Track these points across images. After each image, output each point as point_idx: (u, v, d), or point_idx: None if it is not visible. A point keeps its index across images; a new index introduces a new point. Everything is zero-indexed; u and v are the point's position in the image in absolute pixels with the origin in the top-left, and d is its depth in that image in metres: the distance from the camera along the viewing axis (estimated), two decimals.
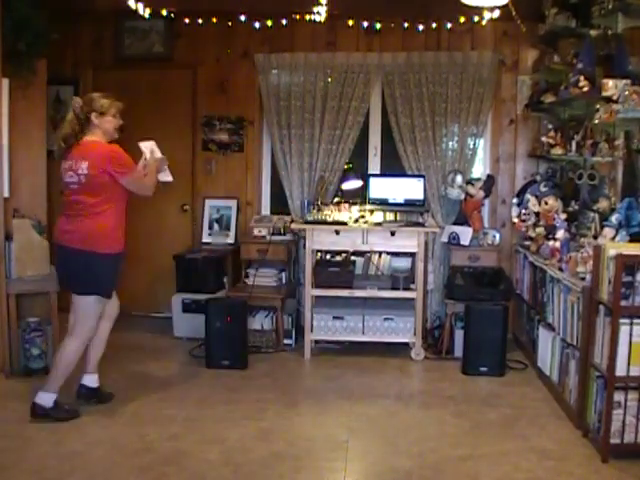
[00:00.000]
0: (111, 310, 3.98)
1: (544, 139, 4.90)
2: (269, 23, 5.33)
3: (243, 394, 4.15)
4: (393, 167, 5.59)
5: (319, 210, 5.08)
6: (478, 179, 5.37)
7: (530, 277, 4.83)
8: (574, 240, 4.21)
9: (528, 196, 4.87)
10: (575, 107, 4.64)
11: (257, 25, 5.34)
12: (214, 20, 5.43)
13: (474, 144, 5.40)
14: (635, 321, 3.16)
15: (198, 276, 5.31)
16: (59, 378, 3.66)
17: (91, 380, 3.92)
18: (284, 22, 5.36)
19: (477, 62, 5.32)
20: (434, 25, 5.32)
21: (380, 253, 5.33)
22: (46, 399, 3.63)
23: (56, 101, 5.92)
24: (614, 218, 3.70)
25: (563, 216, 4.47)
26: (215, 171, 5.82)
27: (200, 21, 5.46)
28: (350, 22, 5.37)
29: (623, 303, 3.17)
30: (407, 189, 5.30)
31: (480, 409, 3.98)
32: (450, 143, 5.43)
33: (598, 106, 3.81)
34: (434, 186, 5.40)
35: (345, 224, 4.92)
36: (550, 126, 5.07)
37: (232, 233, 5.73)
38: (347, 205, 5.16)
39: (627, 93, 3.63)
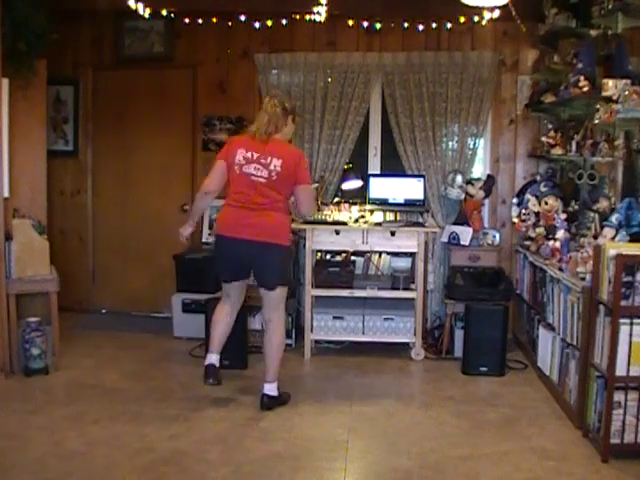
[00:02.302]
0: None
1: (544, 139, 4.90)
2: (269, 23, 5.34)
3: (243, 394, 4.15)
4: (393, 167, 5.60)
5: (319, 210, 5.07)
6: (478, 179, 5.37)
7: (530, 277, 4.83)
8: (574, 240, 4.21)
9: (528, 196, 4.87)
10: (575, 107, 4.64)
11: (257, 25, 5.35)
12: (214, 20, 5.43)
13: (474, 144, 5.40)
14: (635, 321, 3.16)
15: (198, 276, 5.31)
16: (278, 365, 3.90)
17: (216, 359, 3.98)
18: (284, 22, 5.36)
19: (477, 62, 5.33)
20: (434, 25, 5.32)
21: (380, 253, 5.33)
22: (274, 389, 3.89)
23: (56, 101, 5.93)
24: (614, 218, 3.70)
25: (563, 216, 4.47)
26: None
27: (200, 21, 5.46)
28: (350, 22, 5.37)
29: (623, 303, 3.17)
30: (407, 189, 5.30)
31: (480, 409, 3.98)
32: (450, 143, 5.43)
33: (598, 106, 3.81)
34: (434, 186, 5.40)
35: (345, 224, 4.92)
36: (550, 126, 5.08)
37: None
38: (347, 205, 5.17)
39: (627, 93, 3.63)
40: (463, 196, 5.28)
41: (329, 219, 4.98)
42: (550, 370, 4.22)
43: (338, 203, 5.23)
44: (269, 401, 3.88)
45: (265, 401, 3.88)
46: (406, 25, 5.35)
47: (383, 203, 5.34)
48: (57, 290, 4.47)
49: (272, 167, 3.70)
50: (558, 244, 4.24)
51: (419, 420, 3.80)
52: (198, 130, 5.82)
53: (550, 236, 4.50)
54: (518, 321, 5.30)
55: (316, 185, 4.33)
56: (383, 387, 4.35)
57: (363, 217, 5.06)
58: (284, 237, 3.81)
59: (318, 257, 5.30)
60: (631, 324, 3.16)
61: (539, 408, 4.00)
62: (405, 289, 4.96)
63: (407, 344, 4.99)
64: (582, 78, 4.06)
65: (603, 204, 4.10)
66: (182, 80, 5.83)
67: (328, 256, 5.37)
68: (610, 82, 3.69)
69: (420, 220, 5.27)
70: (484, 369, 4.57)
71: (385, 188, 5.33)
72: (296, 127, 5.42)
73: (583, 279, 3.67)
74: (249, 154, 3.73)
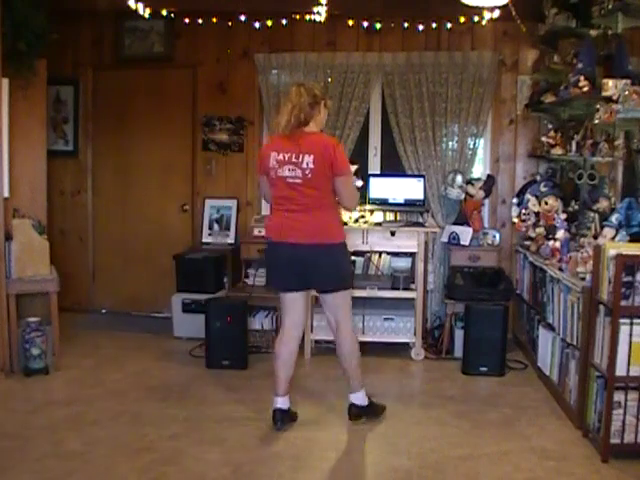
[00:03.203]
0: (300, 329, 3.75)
1: (544, 139, 4.90)
2: (269, 23, 5.34)
3: (243, 394, 4.15)
4: (393, 167, 5.59)
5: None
6: (478, 179, 5.37)
7: (530, 277, 4.83)
8: (574, 240, 4.21)
9: (528, 196, 4.87)
10: (575, 107, 4.63)
11: (257, 25, 5.35)
12: (214, 20, 5.43)
13: (474, 144, 5.40)
14: (635, 321, 3.16)
15: (198, 276, 5.32)
16: (358, 373, 3.67)
17: (283, 402, 3.66)
18: (284, 22, 5.36)
19: (477, 62, 5.33)
20: (434, 25, 5.32)
21: (380, 253, 5.33)
22: (361, 398, 3.69)
23: (56, 101, 5.94)
24: (614, 218, 3.70)
25: (563, 216, 4.46)
26: (215, 171, 5.82)
27: (200, 21, 5.46)
28: (350, 22, 5.37)
29: (623, 303, 3.17)
30: (407, 189, 5.30)
31: (480, 409, 3.98)
32: (450, 143, 5.43)
33: (598, 106, 3.81)
34: (434, 186, 5.40)
35: (345, 224, 4.91)
36: (550, 126, 5.08)
37: (232, 233, 5.73)
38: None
39: (627, 93, 3.63)
40: (463, 196, 5.28)
41: None
42: (550, 370, 4.22)
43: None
44: (357, 411, 3.69)
45: (353, 411, 3.69)
46: (406, 25, 5.35)
47: (383, 203, 5.33)
48: (57, 290, 4.47)
49: (304, 165, 3.44)
50: (558, 244, 4.23)
51: (419, 420, 3.80)
52: (198, 130, 5.82)
53: (550, 236, 4.50)
54: (518, 321, 5.30)
55: (355, 167, 3.99)
56: (383, 387, 4.35)
57: (363, 217, 5.06)
58: (334, 235, 3.55)
59: None
60: (631, 324, 3.16)
61: (539, 408, 4.00)
62: (405, 289, 4.96)
63: (407, 344, 4.99)
64: (582, 78, 4.05)
65: (603, 204, 4.10)
66: (182, 80, 5.84)
67: None
68: (610, 82, 3.69)
69: (420, 220, 5.27)
70: (484, 369, 4.57)
71: (385, 188, 5.33)
72: None
73: (583, 279, 3.66)
74: (281, 156, 3.49)
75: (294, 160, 3.46)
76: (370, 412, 3.74)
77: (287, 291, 3.63)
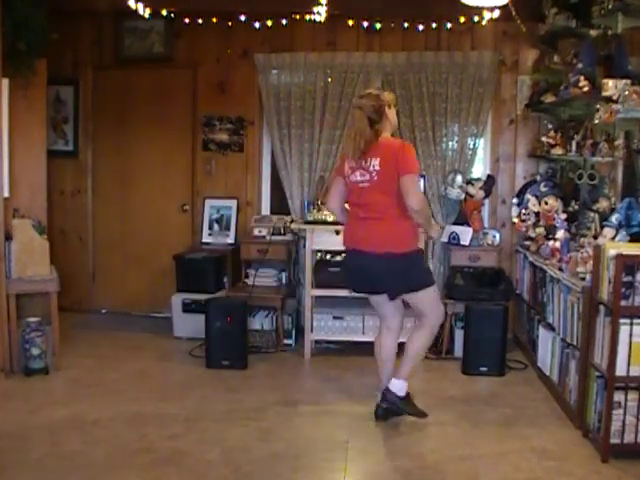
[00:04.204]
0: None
1: (544, 139, 4.90)
2: (269, 23, 5.34)
3: (243, 394, 4.15)
4: None
5: (319, 210, 5.07)
6: (478, 179, 5.37)
7: (530, 277, 4.83)
8: (574, 240, 4.21)
9: (528, 196, 4.87)
10: (575, 107, 4.64)
11: (257, 25, 5.35)
12: (214, 20, 5.43)
13: (474, 144, 5.40)
14: (635, 321, 3.16)
15: (198, 276, 5.32)
16: (411, 365, 3.70)
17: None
18: (284, 22, 5.37)
19: (477, 62, 5.32)
20: (434, 25, 5.32)
21: None
22: (401, 388, 3.67)
23: (56, 101, 5.93)
24: (614, 218, 3.70)
25: (563, 216, 4.47)
26: (215, 171, 5.82)
27: (200, 21, 5.47)
28: (350, 22, 5.38)
29: (623, 303, 3.17)
30: None
31: (480, 409, 3.98)
32: (450, 143, 5.42)
33: (598, 106, 3.81)
34: (434, 186, 5.40)
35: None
36: (550, 126, 5.08)
37: (232, 233, 5.73)
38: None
39: (627, 93, 3.63)
40: (463, 196, 5.28)
41: (329, 219, 4.97)
42: (550, 370, 4.22)
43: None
44: (391, 397, 3.65)
45: (387, 397, 3.66)
46: (406, 25, 5.34)
47: None
48: (57, 290, 4.47)
49: (371, 168, 3.47)
50: (558, 244, 4.23)
51: (419, 420, 3.79)
52: (198, 130, 5.82)
53: (550, 236, 4.50)
54: (518, 321, 5.30)
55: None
56: None
57: None
58: (405, 244, 3.53)
59: (318, 257, 5.29)
60: (631, 324, 3.16)
61: (539, 408, 4.00)
62: None
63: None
64: (582, 78, 4.06)
65: (603, 204, 4.10)
66: (182, 80, 5.84)
67: (328, 256, 5.37)
68: (610, 82, 3.69)
69: None
70: (484, 369, 4.57)
71: None
72: (297, 127, 5.51)
73: (583, 279, 3.66)
74: (353, 162, 3.55)
75: (363, 164, 3.52)
76: (403, 407, 3.68)
77: (370, 295, 3.76)
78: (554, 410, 3.96)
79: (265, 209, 5.90)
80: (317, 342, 5.11)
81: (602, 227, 3.83)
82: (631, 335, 3.16)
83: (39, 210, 4.68)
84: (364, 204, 3.55)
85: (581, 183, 4.36)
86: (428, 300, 3.67)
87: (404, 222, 3.53)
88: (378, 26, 5.36)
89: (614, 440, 3.24)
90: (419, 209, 3.44)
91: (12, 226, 4.36)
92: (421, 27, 5.32)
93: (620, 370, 3.18)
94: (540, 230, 4.72)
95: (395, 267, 3.51)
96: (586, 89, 4.04)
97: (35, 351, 4.35)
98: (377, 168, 3.47)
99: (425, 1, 5.17)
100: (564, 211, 4.58)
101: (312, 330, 4.96)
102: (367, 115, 3.51)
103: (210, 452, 3.33)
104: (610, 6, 3.81)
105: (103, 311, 6.11)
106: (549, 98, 4.84)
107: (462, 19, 5.22)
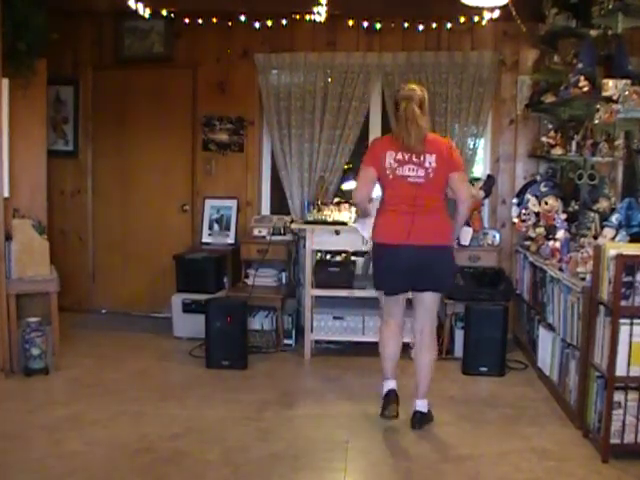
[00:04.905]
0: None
1: (544, 139, 4.90)
2: (269, 23, 5.34)
3: (243, 394, 4.15)
4: None
5: (319, 210, 5.07)
6: (478, 179, 5.37)
7: (530, 277, 4.83)
8: (574, 240, 4.21)
9: (528, 196, 4.87)
10: (575, 107, 4.64)
11: (257, 25, 5.35)
12: (214, 20, 5.43)
13: (474, 144, 5.40)
14: (635, 321, 3.16)
15: (198, 276, 5.32)
16: (429, 382, 3.73)
17: (394, 384, 3.77)
18: (284, 22, 5.37)
19: (477, 62, 5.33)
20: (434, 25, 5.32)
21: None
22: (426, 405, 3.71)
23: (56, 101, 5.94)
24: (614, 218, 3.70)
25: (563, 216, 4.47)
26: (215, 171, 5.82)
27: (200, 21, 5.47)
28: (350, 22, 5.38)
29: (623, 303, 3.17)
30: None
31: (480, 409, 3.98)
32: None
33: (598, 106, 3.81)
34: None
35: (345, 224, 4.91)
36: (550, 126, 5.08)
37: (232, 233, 5.73)
38: (347, 205, 5.16)
39: (627, 93, 3.63)
40: None
41: (329, 219, 4.97)
42: (550, 370, 4.22)
43: (338, 203, 5.22)
44: (421, 417, 3.68)
45: (417, 417, 3.66)
46: (406, 25, 5.35)
47: None
48: (57, 290, 4.47)
49: (427, 164, 3.46)
50: (558, 244, 4.23)
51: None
52: (198, 130, 5.82)
53: (550, 236, 4.50)
54: (518, 321, 5.29)
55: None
56: None
57: None
58: (450, 236, 3.63)
59: (318, 257, 5.29)
60: (631, 324, 3.16)
61: (539, 408, 4.00)
62: None
63: (407, 344, 4.98)
64: (582, 78, 4.05)
65: (603, 204, 4.10)
66: (182, 80, 5.84)
67: (328, 256, 5.37)
68: (610, 82, 3.69)
69: None
70: (484, 369, 4.57)
71: None
72: (297, 127, 5.51)
73: (583, 279, 3.66)
74: (400, 155, 3.49)
75: (415, 160, 3.48)
76: (429, 419, 3.73)
77: (394, 294, 3.68)
78: (554, 410, 3.96)
79: (265, 209, 5.90)
80: (317, 342, 5.11)
81: (602, 227, 3.83)
82: (631, 335, 3.16)
83: (39, 210, 4.68)
84: (415, 198, 3.49)
85: (581, 183, 4.36)
86: (437, 305, 3.74)
87: (447, 215, 3.62)
88: (378, 26, 5.37)
89: (614, 440, 3.24)
90: (469, 205, 3.67)
91: (12, 226, 4.36)
92: (421, 27, 5.32)
93: (620, 370, 3.18)
94: (540, 230, 4.72)
95: (443, 257, 3.57)
96: (586, 89, 4.04)
97: (35, 351, 4.35)
98: (434, 165, 3.47)
99: (425, 1, 5.17)
100: (564, 211, 4.57)
101: (312, 330, 4.96)
102: (416, 106, 3.48)
103: (210, 452, 3.33)
104: (610, 6, 3.81)
105: (103, 311, 6.11)
106: (549, 98, 4.84)
107: (462, 19, 5.22)
